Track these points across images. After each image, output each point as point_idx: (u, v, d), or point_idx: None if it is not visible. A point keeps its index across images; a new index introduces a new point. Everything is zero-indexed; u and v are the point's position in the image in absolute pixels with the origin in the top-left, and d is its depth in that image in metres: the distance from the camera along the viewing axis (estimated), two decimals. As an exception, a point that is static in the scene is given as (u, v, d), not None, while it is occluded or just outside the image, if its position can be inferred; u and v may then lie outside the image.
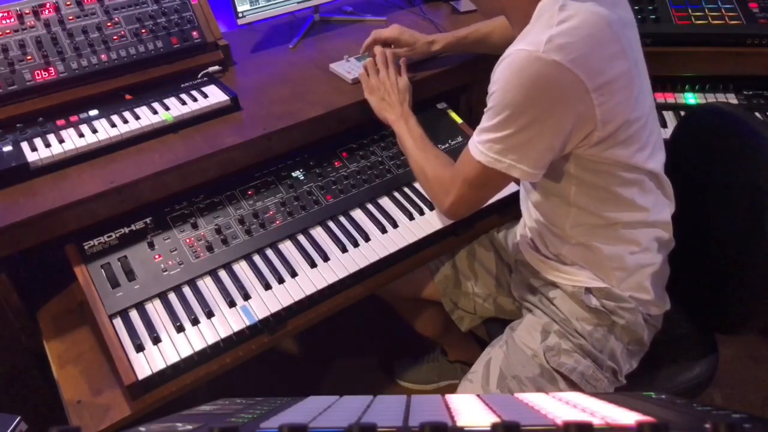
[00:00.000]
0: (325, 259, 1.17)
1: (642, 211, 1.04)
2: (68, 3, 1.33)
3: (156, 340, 1.02)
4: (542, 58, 0.87)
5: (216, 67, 1.43)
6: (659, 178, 1.06)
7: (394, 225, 1.24)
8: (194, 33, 1.42)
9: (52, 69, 1.26)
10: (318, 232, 1.23)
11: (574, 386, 1.09)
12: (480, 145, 0.98)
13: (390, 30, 1.39)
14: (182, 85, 1.35)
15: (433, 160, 1.16)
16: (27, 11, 1.29)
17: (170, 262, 1.12)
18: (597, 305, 1.09)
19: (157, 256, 1.13)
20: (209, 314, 1.06)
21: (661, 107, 1.65)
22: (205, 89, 1.33)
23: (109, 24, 1.35)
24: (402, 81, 1.31)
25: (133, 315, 1.06)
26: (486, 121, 0.97)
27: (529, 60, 0.88)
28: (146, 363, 0.99)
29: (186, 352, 1.00)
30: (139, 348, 1.00)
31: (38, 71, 1.25)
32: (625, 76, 0.94)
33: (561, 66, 0.87)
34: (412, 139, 1.22)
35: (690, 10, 1.61)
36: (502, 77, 0.92)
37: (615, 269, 1.08)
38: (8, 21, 1.28)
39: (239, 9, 1.54)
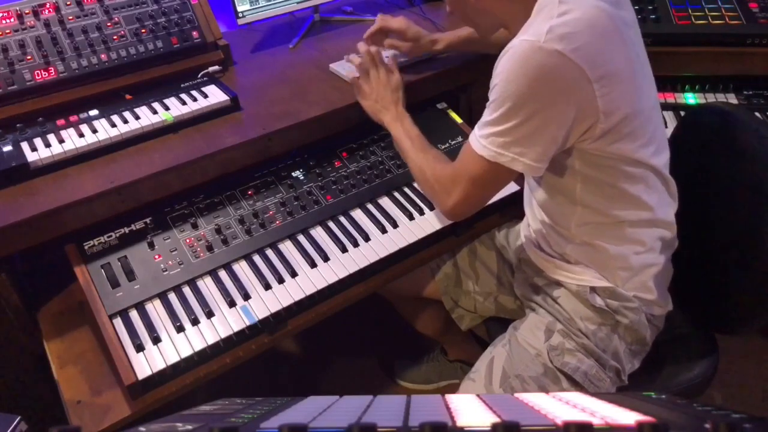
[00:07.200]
0: (325, 259, 1.17)
1: (647, 209, 1.04)
2: (68, 3, 1.33)
3: (156, 340, 1.02)
4: (544, 48, 0.87)
5: (216, 67, 1.42)
6: (664, 176, 1.06)
7: (394, 225, 1.24)
8: (194, 33, 1.42)
9: (52, 69, 1.26)
10: (318, 232, 1.23)
11: (577, 386, 1.09)
12: (482, 139, 0.97)
13: (398, 22, 1.37)
14: (182, 85, 1.35)
15: (431, 161, 1.15)
16: (27, 11, 1.29)
17: (170, 262, 1.12)
18: (601, 304, 1.09)
19: (157, 256, 1.13)
20: (209, 314, 1.06)
21: (661, 107, 1.65)
22: (205, 89, 1.33)
23: (109, 24, 1.35)
24: (393, 79, 1.27)
25: (133, 315, 1.06)
26: (488, 115, 0.96)
27: (530, 50, 0.88)
28: (146, 363, 0.99)
29: (186, 352, 1.00)
30: (139, 348, 1.00)
31: (38, 71, 1.25)
32: (627, 68, 0.94)
33: (563, 56, 0.87)
34: (409, 140, 1.20)
35: (690, 10, 1.61)
36: (504, 69, 0.92)
37: (619, 269, 1.08)
38: (8, 21, 1.28)
39: (239, 9, 1.54)
